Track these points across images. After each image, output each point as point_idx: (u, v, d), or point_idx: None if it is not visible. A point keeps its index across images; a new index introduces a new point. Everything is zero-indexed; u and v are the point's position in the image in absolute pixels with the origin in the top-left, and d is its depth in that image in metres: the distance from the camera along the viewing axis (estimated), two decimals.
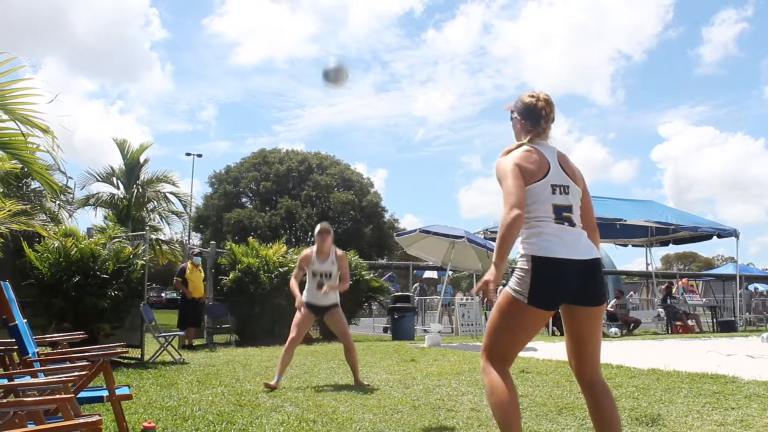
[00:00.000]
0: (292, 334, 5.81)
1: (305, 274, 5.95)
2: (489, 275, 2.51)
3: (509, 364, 2.67)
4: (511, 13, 80.00)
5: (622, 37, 78.06)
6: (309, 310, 5.88)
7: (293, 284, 5.89)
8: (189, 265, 10.96)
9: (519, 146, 2.76)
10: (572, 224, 2.64)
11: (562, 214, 2.61)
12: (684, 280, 22.58)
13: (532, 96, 2.79)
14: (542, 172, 2.65)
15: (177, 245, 20.96)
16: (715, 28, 77.31)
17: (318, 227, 5.97)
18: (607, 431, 2.59)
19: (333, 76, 4.68)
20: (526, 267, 2.55)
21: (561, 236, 2.57)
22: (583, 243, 2.63)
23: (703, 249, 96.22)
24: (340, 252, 5.97)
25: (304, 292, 5.92)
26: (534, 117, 2.77)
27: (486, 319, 14.81)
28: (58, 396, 2.45)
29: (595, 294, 2.62)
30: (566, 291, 2.58)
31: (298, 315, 5.86)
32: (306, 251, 6.03)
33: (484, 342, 2.70)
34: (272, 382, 5.54)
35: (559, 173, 2.69)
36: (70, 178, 19.54)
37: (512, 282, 2.61)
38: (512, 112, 2.87)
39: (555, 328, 14.53)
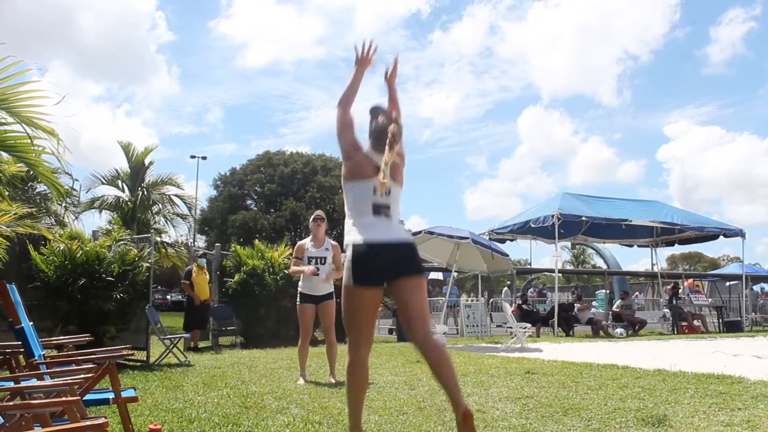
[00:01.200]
0: (302, 333, 6.11)
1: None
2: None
3: (364, 350, 3.15)
4: (518, 14, 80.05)
5: (629, 38, 78.02)
6: (306, 301, 6.08)
7: (294, 269, 6.16)
8: (194, 267, 10.97)
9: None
10: (388, 217, 3.11)
11: (380, 211, 3.09)
12: (690, 280, 22.48)
13: (385, 120, 3.16)
14: (370, 173, 3.07)
15: (182, 247, 21.02)
16: (723, 27, 77.10)
17: (313, 215, 6.30)
18: (438, 380, 2.96)
19: None
20: (348, 254, 3.01)
21: (374, 226, 3.04)
22: (395, 230, 3.10)
23: (709, 249, 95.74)
24: (334, 242, 6.22)
25: (300, 282, 6.14)
26: (378, 138, 3.14)
27: (492, 320, 14.83)
28: (64, 398, 2.46)
29: (410, 266, 3.04)
30: (381, 267, 3.01)
31: (301, 315, 6.08)
32: (300, 242, 6.30)
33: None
34: (300, 381, 5.86)
35: (387, 177, 3.07)
36: (76, 180, 19.70)
37: (343, 275, 3.07)
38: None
39: (560, 329, 14.53)
